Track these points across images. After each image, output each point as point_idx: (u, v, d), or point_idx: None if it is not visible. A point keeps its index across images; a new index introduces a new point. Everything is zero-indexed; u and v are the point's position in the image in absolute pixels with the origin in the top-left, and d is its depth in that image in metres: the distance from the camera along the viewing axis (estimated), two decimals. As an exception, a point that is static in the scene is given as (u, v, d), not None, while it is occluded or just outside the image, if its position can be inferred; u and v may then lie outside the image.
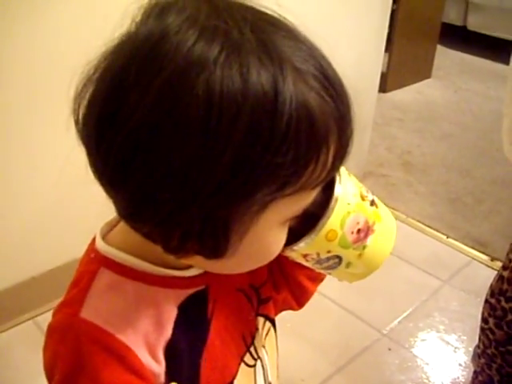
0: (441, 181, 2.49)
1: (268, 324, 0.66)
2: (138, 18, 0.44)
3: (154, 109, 0.40)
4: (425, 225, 2.18)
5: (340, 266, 0.56)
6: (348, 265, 0.56)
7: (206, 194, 0.41)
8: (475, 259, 2.03)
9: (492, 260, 2.00)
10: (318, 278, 0.67)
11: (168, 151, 0.41)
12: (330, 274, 0.59)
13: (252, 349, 0.62)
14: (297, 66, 0.42)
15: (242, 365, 0.60)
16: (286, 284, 0.67)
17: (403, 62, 3.27)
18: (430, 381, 1.56)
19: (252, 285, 0.63)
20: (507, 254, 1.23)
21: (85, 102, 0.44)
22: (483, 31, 3.81)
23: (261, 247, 0.49)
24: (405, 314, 1.77)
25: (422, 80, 3.46)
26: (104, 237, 0.54)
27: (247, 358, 0.61)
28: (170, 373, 0.51)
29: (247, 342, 0.61)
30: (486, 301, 1.27)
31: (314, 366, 1.59)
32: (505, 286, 1.21)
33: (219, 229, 0.44)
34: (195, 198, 0.42)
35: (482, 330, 1.29)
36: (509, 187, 2.42)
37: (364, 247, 0.55)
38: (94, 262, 0.52)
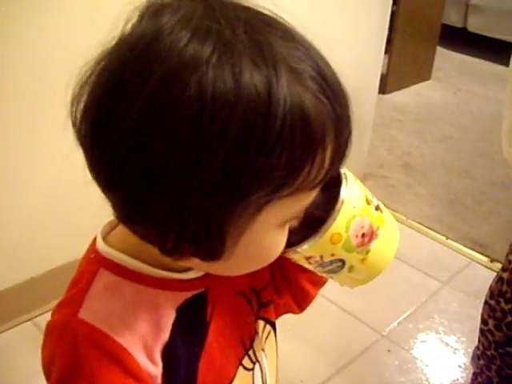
0: (440, 182, 2.49)
1: (268, 327, 0.66)
2: (133, 20, 0.44)
3: (146, 110, 0.40)
4: (424, 226, 2.18)
5: (343, 269, 0.55)
6: (351, 269, 0.56)
7: (198, 196, 0.41)
8: (475, 261, 2.03)
9: (491, 261, 2.00)
10: (319, 282, 0.67)
11: (160, 152, 0.41)
12: (331, 277, 0.59)
13: (251, 352, 0.61)
14: (292, 66, 0.41)
15: (240, 368, 0.60)
16: (287, 288, 0.67)
17: (403, 64, 3.27)
18: (429, 382, 1.56)
19: (253, 288, 0.63)
20: (507, 256, 1.23)
21: (81, 105, 0.44)
22: (483, 33, 3.81)
23: (259, 249, 0.49)
24: (404, 316, 1.77)
25: (421, 81, 3.46)
26: (105, 237, 0.53)
27: (245, 362, 0.61)
28: (167, 375, 0.51)
29: (246, 345, 0.61)
30: (486, 302, 1.27)
31: (314, 367, 1.59)
32: (504, 288, 1.21)
33: (214, 231, 0.44)
34: (188, 200, 0.41)
35: (482, 331, 1.29)
36: (508, 189, 2.43)
37: (367, 252, 0.55)
38: (94, 263, 0.52)
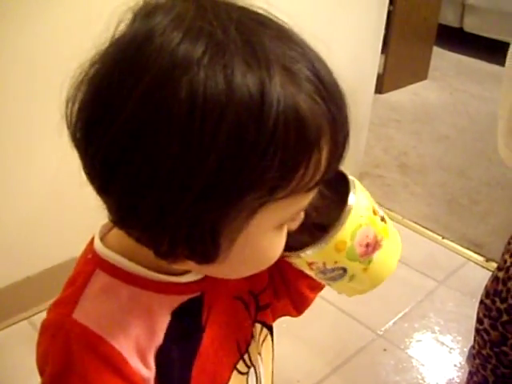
0: (437, 182, 2.50)
1: (265, 331, 0.66)
2: (126, 21, 0.44)
3: (137, 112, 0.40)
4: (421, 226, 2.19)
5: (343, 278, 0.55)
6: (352, 278, 0.55)
7: (190, 198, 0.41)
8: (471, 260, 2.03)
9: (487, 261, 2.01)
10: (318, 287, 0.67)
11: (151, 154, 0.40)
12: (330, 285, 0.59)
13: (246, 356, 0.61)
14: (286, 66, 0.41)
15: (235, 372, 0.60)
16: (286, 291, 0.67)
17: (399, 64, 3.28)
18: (425, 381, 1.57)
19: (251, 291, 0.62)
20: (502, 255, 1.24)
21: (76, 106, 0.44)
22: (480, 33, 3.82)
23: (255, 252, 0.48)
24: (400, 315, 1.77)
25: (418, 81, 3.47)
26: (102, 238, 0.53)
27: (240, 366, 0.60)
28: (160, 378, 0.51)
29: (241, 349, 0.61)
30: (481, 301, 1.27)
31: (310, 367, 1.59)
32: (500, 287, 1.21)
33: (207, 234, 0.43)
34: (180, 202, 0.41)
35: (477, 330, 1.29)
36: (504, 189, 2.43)
37: (370, 262, 0.55)
38: (91, 263, 0.52)
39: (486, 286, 1.27)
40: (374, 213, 0.55)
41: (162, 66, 0.40)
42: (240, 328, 0.61)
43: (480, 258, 2.03)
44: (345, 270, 0.54)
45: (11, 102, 1.41)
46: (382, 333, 1.70)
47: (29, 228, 1.57)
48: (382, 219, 0.56)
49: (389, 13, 2.39)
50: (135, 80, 0.40)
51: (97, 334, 0.48)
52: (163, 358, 0.51)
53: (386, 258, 0.56)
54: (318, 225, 0.53)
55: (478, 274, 1.90)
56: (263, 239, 0.47)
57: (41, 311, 1.57)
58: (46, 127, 1.46)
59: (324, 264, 0.54)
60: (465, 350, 1.60)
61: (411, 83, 3.42)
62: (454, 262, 2.02)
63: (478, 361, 1.32)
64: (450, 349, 1.68)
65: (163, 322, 0.52)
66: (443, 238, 2.13)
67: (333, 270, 0.54)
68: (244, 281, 0.56)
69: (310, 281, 0.63)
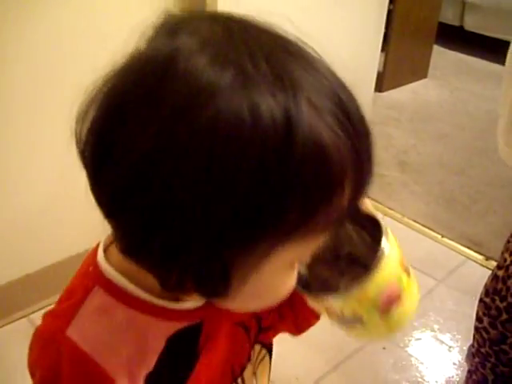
0: (436, 180, 2.50)
1: (264, 351, 0.65)
2: (147, 37, 0.41)
3: (152, 145, 0.37)
4: (420, 224, 2.19)
5: (357, 326, 0.54)
6: (365, 327, 0.54)
7: (205, 238, 0.38)
8: (470, 259, 2.03)
9: (487, 259, 2.01)
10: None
11: (165, 191, 0.38)
12: (341, 329, 0.57)
13: (239, 380, 0.60)
14: (313, 101, 0.38)
15: None
16: (292, 316, 0.66)
17: (399, 62, 3.27)
18: (424, 380, 1.57)
19: (256, 314, 0.61)
20: (502, 254, 1.24)
21: (87, 124, 0.41)
22: (480, 31, 3.81)
23: (267, 289, 0.47)
24: (400, 313, 1.77)
25: (418, 80, 3.46)
26: (106, 249, 0.51)
27: None
28: None
29: (235, 373, 0.59)
30: (481, 300, 1.27)
31: (309, 365, 1.59)
32: (499, 286, 1.21)
33: (219, 272, 0.41)
34: (193, 241, 0.39)
35: (477, 329, 1.29)
36: (504, 187, 2.43)
37: (388, 315, 0.54)
38: (91, 278, 0.50)
39: (486, 285, 1.27)
40: (402, 266, 0.53)
41: (184, 95, 0.37)
42: (237, 353, 0.59)
43: (479, 257, 2.03)
44: (361, 319, 0.53)
45: (12, 100, 1.41)
46: (381, 331, 1.70)
47: (27, 226, 1.57)
48: (407, 271, 0.54)
49: (389, 11, 2.39)
50: (152, 111, 0.37)
51: (87, 354, 0.47)
52: (153, 382, 0.50)
53: (404, 313, 0.55)
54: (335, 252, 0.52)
55: (477, 273, 1.90)
56: (276, 277, 0.46)
57: (40, 309, 1.57)
58: (46, 126, 1.46)
59: (342, 312, 0.53)
60: (464, 348, 1.60)
61: (411, 82, 3.42)
62: (454, 261, 2.02)
63: (477, 359, 1.32)
64: (450, 347, 1.67)
65: (157, 347, 0.50)
66: (443, 236, 2.13)
67: (349, 318, 0.53)
68: None
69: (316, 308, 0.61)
